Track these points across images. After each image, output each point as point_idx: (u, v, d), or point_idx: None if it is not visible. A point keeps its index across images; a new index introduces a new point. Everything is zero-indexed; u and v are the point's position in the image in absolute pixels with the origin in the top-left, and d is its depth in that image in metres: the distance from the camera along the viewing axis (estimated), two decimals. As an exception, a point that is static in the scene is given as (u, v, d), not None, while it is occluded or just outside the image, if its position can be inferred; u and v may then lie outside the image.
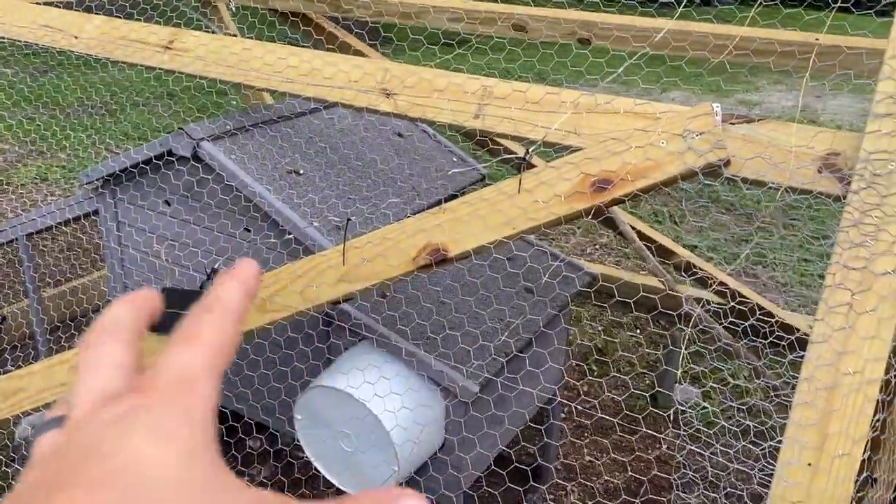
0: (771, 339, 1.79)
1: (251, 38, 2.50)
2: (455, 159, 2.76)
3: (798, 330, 2.94)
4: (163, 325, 2.08)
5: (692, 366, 3.17)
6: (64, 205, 2.71)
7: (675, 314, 1.96)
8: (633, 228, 3.40)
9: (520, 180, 1.66)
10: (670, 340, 3.24)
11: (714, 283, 3.21)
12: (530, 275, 2.42)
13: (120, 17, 2.44)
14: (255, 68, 2.13)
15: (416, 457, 1.99)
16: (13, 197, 5.37)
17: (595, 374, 3.49)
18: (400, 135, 2.75)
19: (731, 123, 1.53)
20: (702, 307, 2.73)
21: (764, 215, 5.20)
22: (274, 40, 2.27)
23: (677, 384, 3.29)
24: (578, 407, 3.22)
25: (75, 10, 2.58)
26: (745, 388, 3.05)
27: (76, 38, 2.45)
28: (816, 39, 2.33)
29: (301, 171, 2.19)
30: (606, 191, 1.56)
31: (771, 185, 1.46)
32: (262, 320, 1.83)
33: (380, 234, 1.77)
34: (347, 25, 3.47)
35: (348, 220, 1.72)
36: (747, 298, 3.04)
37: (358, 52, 3.45)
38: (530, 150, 1.72)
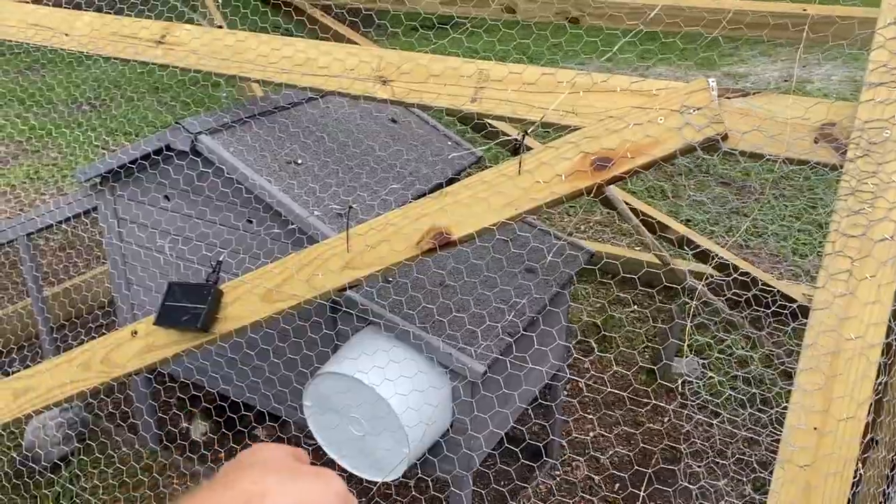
0: (774, 308, 1.81)
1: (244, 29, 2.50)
2: (451, 143, 2.77)
3: (795, 300, 2.97)
4: (170, 318, 2.09)
5: (696, 338, 3.20)
6: (63, 203, 2.72)
7: (676, 288, 1.98)
8: (629, 206, 3.42)
9: (520, 161, 1.68)
10: (674, 313, 3.27)
11: (710, 257, 3.24)
12: (532, 255, 2.44)
13: (110, 14, 2.43)
14: (249, 60, 2.13)
15: (426, 438, 2.02)
16: (11, 198, 5.35)
17: (599, 350, 3.52)
18: (394, 121, 2.75)
19: (727, 98, 1.54)
20: (705, 282, 2.76)
21: (758, 189, 5.23)
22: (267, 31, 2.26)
23: (681, 356, 3.33)
24: (586, 383, 3.26)
25: (64, 7, 2.56)
26: (745, 358, 3.08)
27: (67, 35, 2.44)
28: (804, 10, 2.35)
29: (300, 161, 2.20)
30: (607, 168, 1.57)
31: (768, 156, 1.48)
32: (270, 310, 1.84)
33: (382, 220, 1.78)
34: (341, 14, 3.46)
35: (350, 207, 1.73)
36: (744, 270, 3.06)
37: (348, 41, 3.44)
38: (528, 132, 1.73)
